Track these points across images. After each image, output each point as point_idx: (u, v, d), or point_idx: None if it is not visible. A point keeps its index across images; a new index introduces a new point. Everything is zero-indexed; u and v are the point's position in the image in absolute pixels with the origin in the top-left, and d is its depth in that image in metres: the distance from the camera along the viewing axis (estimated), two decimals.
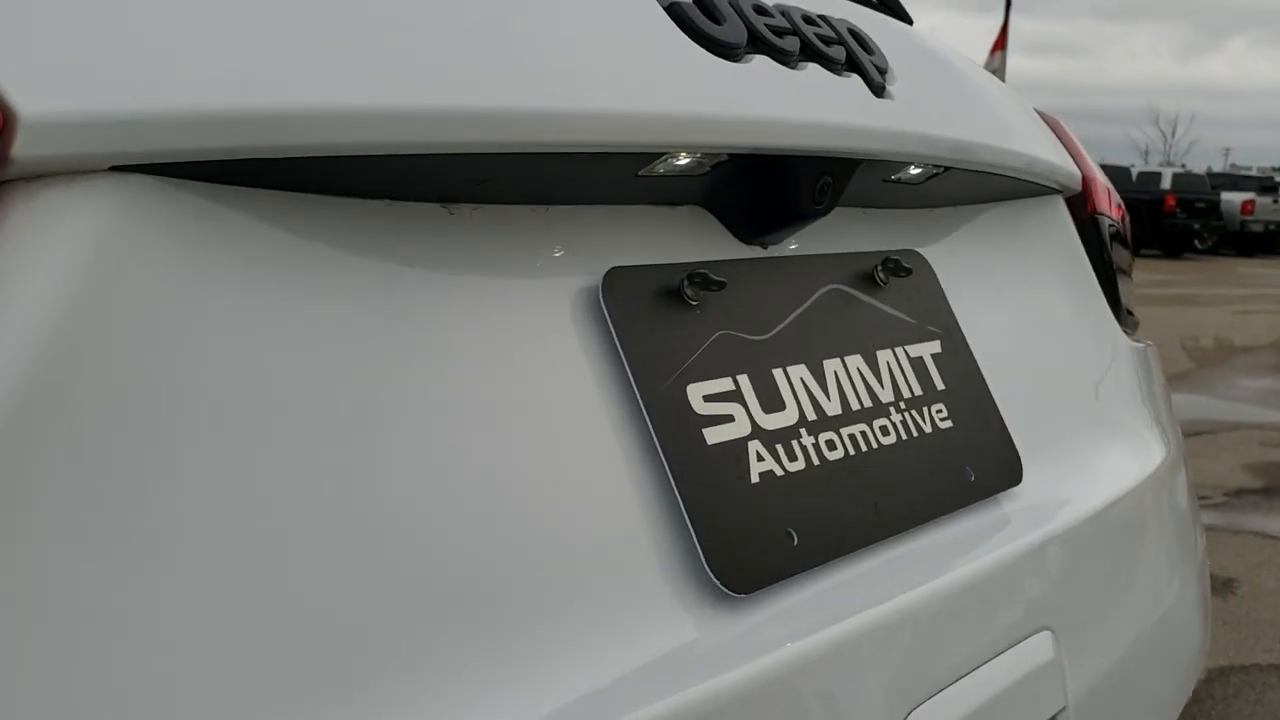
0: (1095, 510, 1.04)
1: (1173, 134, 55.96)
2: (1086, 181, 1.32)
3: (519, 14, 0.68)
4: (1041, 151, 1.20)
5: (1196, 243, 21.29)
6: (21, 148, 0.47)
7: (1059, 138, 1.34)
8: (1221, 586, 3.38)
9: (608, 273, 0.74)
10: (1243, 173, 32.52)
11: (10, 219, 0.48)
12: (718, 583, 0.70)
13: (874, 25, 1.02)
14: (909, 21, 1.34)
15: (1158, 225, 20.38)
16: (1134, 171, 23.47)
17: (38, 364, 0.47)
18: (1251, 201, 22.63)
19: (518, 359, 0.68)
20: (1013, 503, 0.98)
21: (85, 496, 0.48)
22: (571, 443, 0.69)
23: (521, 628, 0.62)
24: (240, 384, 0.55)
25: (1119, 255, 1.42)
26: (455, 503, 0.62)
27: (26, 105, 0.47)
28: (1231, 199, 22.58)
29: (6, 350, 0.46)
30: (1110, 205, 1.39)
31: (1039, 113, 1.37)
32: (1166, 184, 22.08)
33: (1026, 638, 0.89)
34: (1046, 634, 0.91)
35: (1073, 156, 1.33)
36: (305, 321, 0.59)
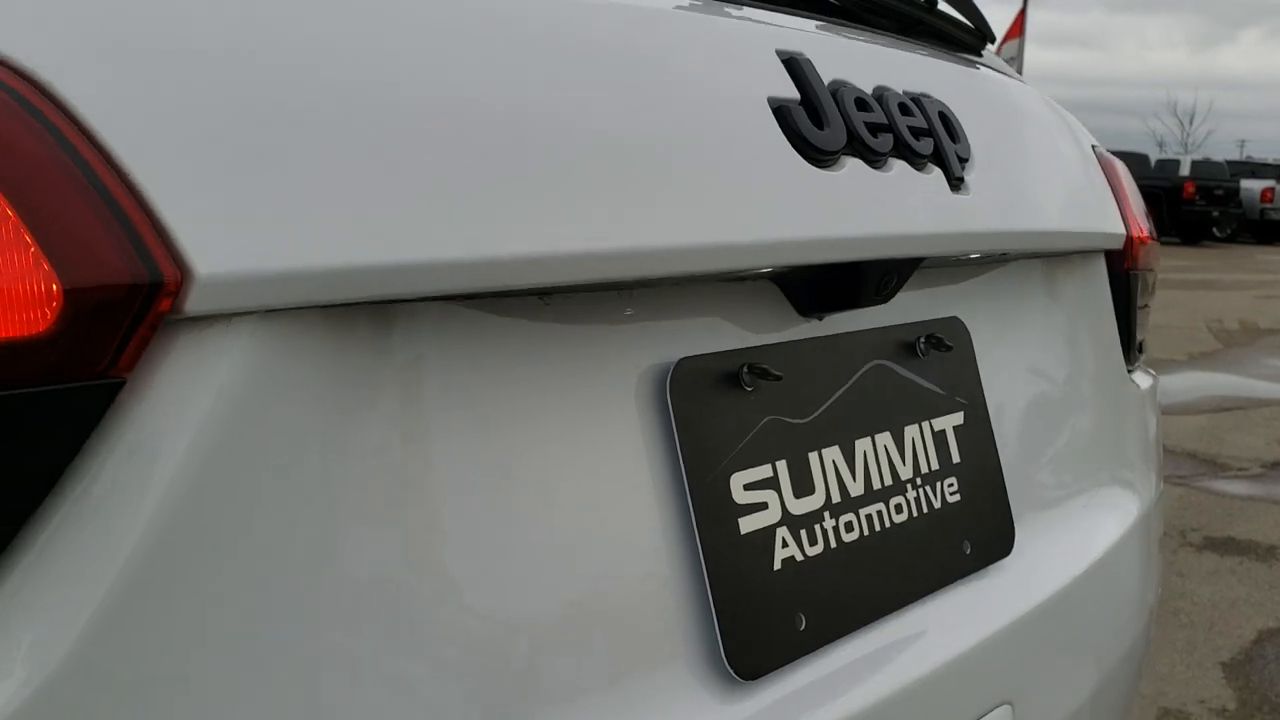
0: (1069, 581, 1.11)
1: (1190, 123, 55.05)
2: (1129, 239, 1.36)
3: (640, 147, 0.71)
4: (1096, 220, 1.23)
5: (1215, 230, 21.21)
6: (194, 302, 0.51)
7: (1113, 186, 1.36)
8: (1265, 553, 3.72)
9: (677, 364, 0.79)
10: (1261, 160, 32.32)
11: (181, 349, 0.52)
12: (729, 668, 0.77)
13: (964, 91, 1.04)
14: (991, 39, 1.35)
15: (1176, 212, 20.28)
16: (1153, 159, 23.19)
17: (209, 460, 0.52)
18: (1271, 189, 22.50)
19: (587, 443, 0.74)
20: (998, 575, 1.05)
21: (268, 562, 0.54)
22: (621, 527, 0.75)
23: (545, 696, 0.69)
24: (370, 473, 0.60)
25: (1144, 297, 1.47)
26: (520, 569, 0.68)
27: (202, 266, 0.51)
28: (1251, 186, 22.45)
29: (181, 451, 0.52)
30: (1144, 257, 1.43)
31: (1097, 155, 1.39)
32: (1185, 171, 21.88)
33: (988, 712, 0.97)
34: (1006, 708, 1.00)
35: (1121, 207, 1.36)
36: (422, 417, 0.64)
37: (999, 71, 1.30)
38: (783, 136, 0.80)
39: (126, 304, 0.50)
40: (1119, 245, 1.33)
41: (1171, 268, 13.61)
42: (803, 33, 0.93)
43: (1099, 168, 1.35)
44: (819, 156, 0.82)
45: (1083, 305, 1.31)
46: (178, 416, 0.52)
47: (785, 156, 0.80)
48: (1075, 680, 1.15)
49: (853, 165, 0.85)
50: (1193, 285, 11.72)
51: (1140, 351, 1.50)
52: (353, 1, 0.63)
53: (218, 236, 0.52)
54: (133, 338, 0.50)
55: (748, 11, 0.91)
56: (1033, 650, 1.06)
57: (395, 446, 0.63)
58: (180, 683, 0.53)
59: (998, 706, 0.99)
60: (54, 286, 0.49)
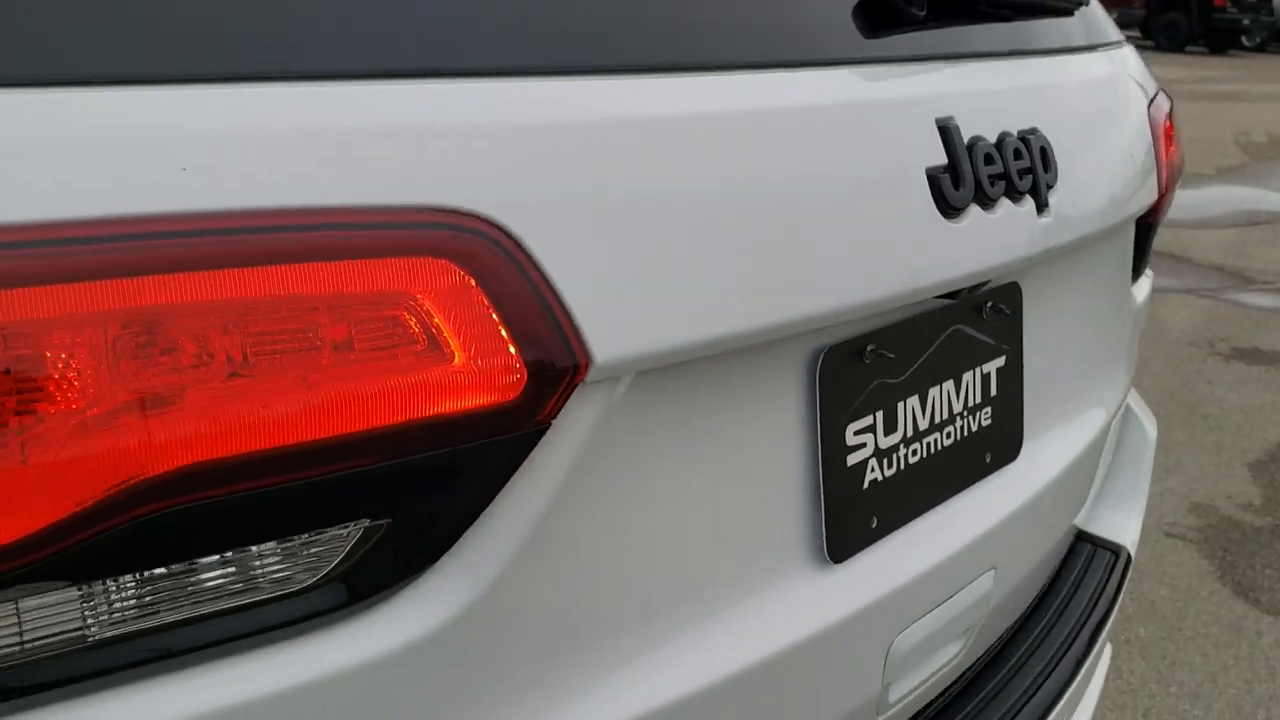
0: (1052, 477, 1.49)
1: None
2: (1158, 199, 1.65)
3: (846, 222, 1.01)
4: (1143, 198, 1.53)
5: (1244, 39, 20.43)
6: (593, 375, 0.84)
7: (1155, 148, 1.64)
8: None
9: (826, 351, 1.12)
10: None
11: (580, 401, 0.85)
12: (827, 555, 1.15)
13: (1056, 105, 1.31)
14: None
15: (1205, 20, 19.40)
16: None
17: (586, 463, 0.87)
18: None
19: (761, 409, 1.08)
20: (1004, 476, 1.42)
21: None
22: (776, 465, 1.10)
23: (722, 583, 1.07)
24: (654, 478, 0.95)
25: (1157, 232, 1.78)
26: (713, 494, 1.04)
27: (600, 355, 0.84)
28: None
29: (570, 461, 0.86)
30: (1164, 208, 1.72)
31: (1150, 114, 1.66)
32: None
33: (979, 576, 1.37)
34: (991, 572, 1.40)
35: (1159, 170, 1.64)
36: (670, 434, 0.98)
37: (1088, 45, 1.55)
38: (931, 201, 1.10)
39: (559, 380, 0.83)
40: (1150, 206, 1.63)
41: (1198, 78, 13.41)
42: (946, 82, 1.20)
43: (1150, 135, 1.63)
44: (950, 211, 1.12)
45: (1108, 254, 1.63)
46: (571, 441, 0.86)
47: (930, 217, 1.10)
48: (1037, 547, 1.56)
49: (973, 212, 1.15)
50: (1220, 97, 11.66)
51: (1143, 268, 1.83)
52: (680, 154, 0.92)
53: (609, 334, 0.84)
54: (558, 400, 0.83)
55: (907, 70, 1.17)
56: (1016, 530, 1.45)
57: (669, 440, 0.97)
58: (547, 610, 0.90)
59: (987, 571, 1.39)
60: (521, 371, 0.81)
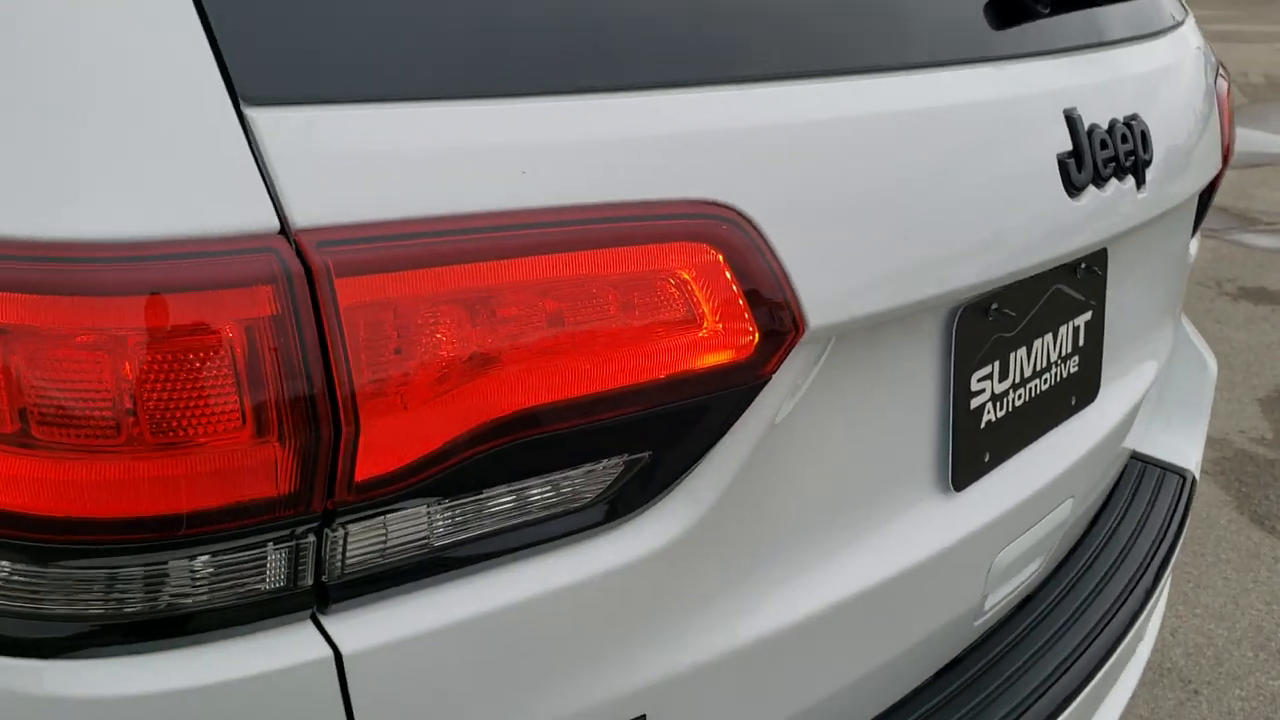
0: (1121, 416, 1.68)
1: None
2: (1221, 167, 1.82)
3: (994, 206, 1.18)
4: (1213, 166, 1.70)
5: None
6: (806, 339, 1.02)
7: (1221, 120, 1.80)
8: None
9: (961, 310, 1.29)
10: None
11: (793, 357, 1.03)
12: (950, 485, 1.34)
13: (1153, 89, 1.48)
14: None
15: None
16: None
17: (794, 406, 1.05)
18: None
19: (907, 361, 1.26)
20: (1084, 416, 1.61)
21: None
22: (916, 406, 1.28)
23: (872, 508, 1.26)
24: (826, 430, 1.13)
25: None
26: (864, 434, 1.23)
27: (814, 321, 1.01)
28: None
29: (779, 403, 1.04)
30: (1223, 175, 1.89)
31: (1216, 89, 1.82)
32: None
33: (1061, 504, 1.57)
34: (1070, 500, 1.59)
35: (1223, 141, 1.81)
36: (837, 390, 1.15)
37: (1168, 27, 1.71)
38: (1061, 184, 1.27)
39: (781, 341, 1.00)
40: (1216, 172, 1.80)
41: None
42: (1067, 73, 1.36)
43: (1217, 106, 1.79)
44: (1074, 191, 1.29)
45: (1177, 218, 1.80)
46: (780, 391, 1.04)
47: (1060, 197, 1.27)
48: (1102, 479, 1.75)
49: (1090, 191, 1.32)
50: (1215, 37, 11.64)
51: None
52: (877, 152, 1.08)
53: (821, 304, 1.02)
54: (779, 357, 1.01)
55: (1035, 65, 1.33)
56: (1090, 464, 1.64)
57: (844, 389, 1.15)
58: (750, 525, 1.08)
59: (1067, 499, 1.58)
60: (754, 334, 0.98)
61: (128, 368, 0.75)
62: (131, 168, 0.76)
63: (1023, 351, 1.42)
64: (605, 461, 0.95)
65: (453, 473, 0.87)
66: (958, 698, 1.43)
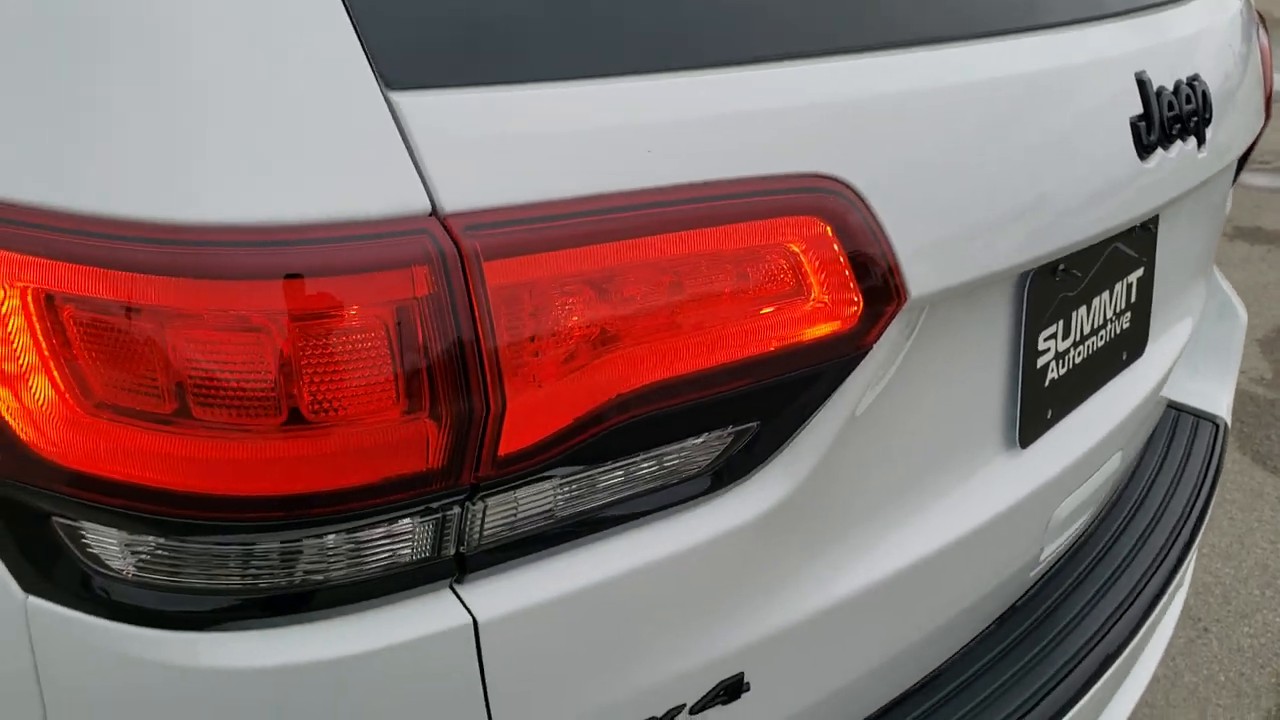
0: (1164, 371, 1.72)
1: None
2: (1266, 120, 1.84)
3: (1077, 173, 1.20)
4: (1256, 125, 1.72)
5: None
6: (906, 308, 1.04)
7: (1266, 68, 1.82)
8: None
9: (1033, 273, 1.31)
10: None
11: (892, 325, 1.05)
12: (1018, 442, 1.37)
13: (1209, 48, 1.50)
14: None
15: None
16: None
17: (892, 371, 1.08)
18: None
19: (983, 323, 1.28)
20: (1133, 370, 1.64)
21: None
22: (988, 365, 1.31)
23: (949, 467, 1.29)
24: (920, 385, 1.16)
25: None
26: (945, 407, 1.25)
27: (914, 290, 1.03)
28: None
29: (877, 370, 1.06)
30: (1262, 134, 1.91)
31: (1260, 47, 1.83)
32: None
33: (1112, 456, 1.60)
34: (1119, 453, 1.63)
35: (1266, 99, 1.83)
36: (929, 347, 1.18)
37: None
38: (1133, 147, 1.29)
39: (883, 311, 1.02)
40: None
41: None
42: (1135, 37, 1.37)
43: (1261, 62, 1.81)
44: (1144, 154, 1.31)
45: (1221, 173, 1.82)
46: (879, 359, 1.06)
47: (1132, 161, 1.29)
48: (1145, 431, 1.79)
49: (1158, 154, 1.34)
50: None
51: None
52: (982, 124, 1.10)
53: (920, 274, 1.04)
54: (881, 327, 1.03)
55: (1107, 29, 1.34)
56: (1137, 417, 1.68)
57: (929, 354, 1.18)
58: (846, 487, 1.11)
59: (1117, 451, 1.62)
60: (858, 304, 1.01)
61: (287, 349, 0.77)
62: (285, 154, 0.77)
63: (1083, 310, 1.45)
64: (717, 432, 0.98)
65: (581, 446, 0.89)
66: (1020, 645, 1.48)
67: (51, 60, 0.80)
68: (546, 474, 0.89)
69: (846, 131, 1.00)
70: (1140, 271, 1.59)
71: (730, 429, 0.98)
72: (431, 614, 0.88)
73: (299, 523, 0.82)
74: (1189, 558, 1.73)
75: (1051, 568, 1.64)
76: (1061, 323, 1.41)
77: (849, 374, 1.04)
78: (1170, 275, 1.72)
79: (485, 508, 0.87)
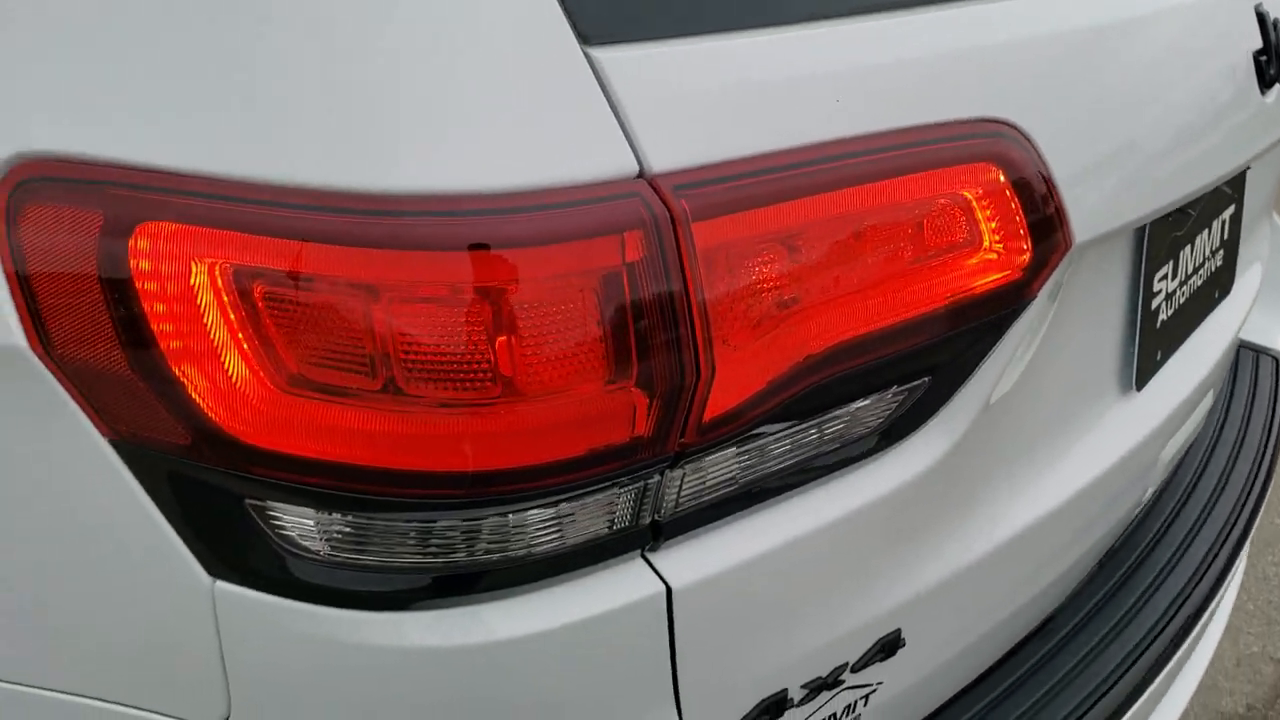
0: (1247, 306, 1.71)
1: None
2: None
3: (1207, 116, 1.18)
4: None
5: None
6: (1070, 257, 1.02)
7: None
8: None
9: (1152, 223, 1.29)
10: None
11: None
12: (1134, 384, 1.36)
13: None
14: None
15: None
16: None
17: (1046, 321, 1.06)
18: None
19: (1103, 272, 1.26)
20: (1222, 309, 1.63)
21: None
22: (1108, 317, 1.29)
23: (1080, 412, 1.27)
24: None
25: None
26: (1077, 353, 1.24)
27: (1078, 235, 1.01)
28: None
29: (1035, 318, 1.04)
30: None
31: None
32: None
33: (1206, 395, 1.60)
34: (1212, 391, 1.62)
35: None
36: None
37: None
38: (1255, 82, 1.26)
39: (1049, 258, 1.00)
40: None
41: None
42: None
43: None
44: (1265, 89, 1.29)
45: None
46: (1035, 310, 1.04)
47: (1255, 97, 1.27)
48: (1227, 366, 1.79)
49: (1276, 88, 1.32)
50: None
51: None
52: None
53: (1083, 219, 1.01)
54: (1045, 275, 1.01)
55: None
56: (1229, 353, 1.66)
57: (1068, 300, 1.16)
58: (998, 438, 1.09)
59: (1210, 390, 1.61)
60: (1028, 252, 0.98)
61: (500, 321, 0.74)
62: (489, 118, 0.74)
63: (1188, 249, 1.44)
64: (893, 389, 0.96)
65: (773, 409, 0.87)
66: (1126, 584, 1.48)
67: (242, 28, 0.76)
68: (739, 437, 0.87)
69: (1011, 73, 0.97)
70: (1232, 209, 1.57)
71: (904, 385, 0.96)
72: (627, 584, 0.86)
73: (506, 498, 0.79)
74: (1267, 492, 1.74)
75: (1147, 508, 1.64)
76: (1172, 263, 1.39)
77: (1011, 325, 1.02)
78: (1252, 211, 1.71)
79: (683, 474, 0.85)
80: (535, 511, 0.80)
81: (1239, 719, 2.68)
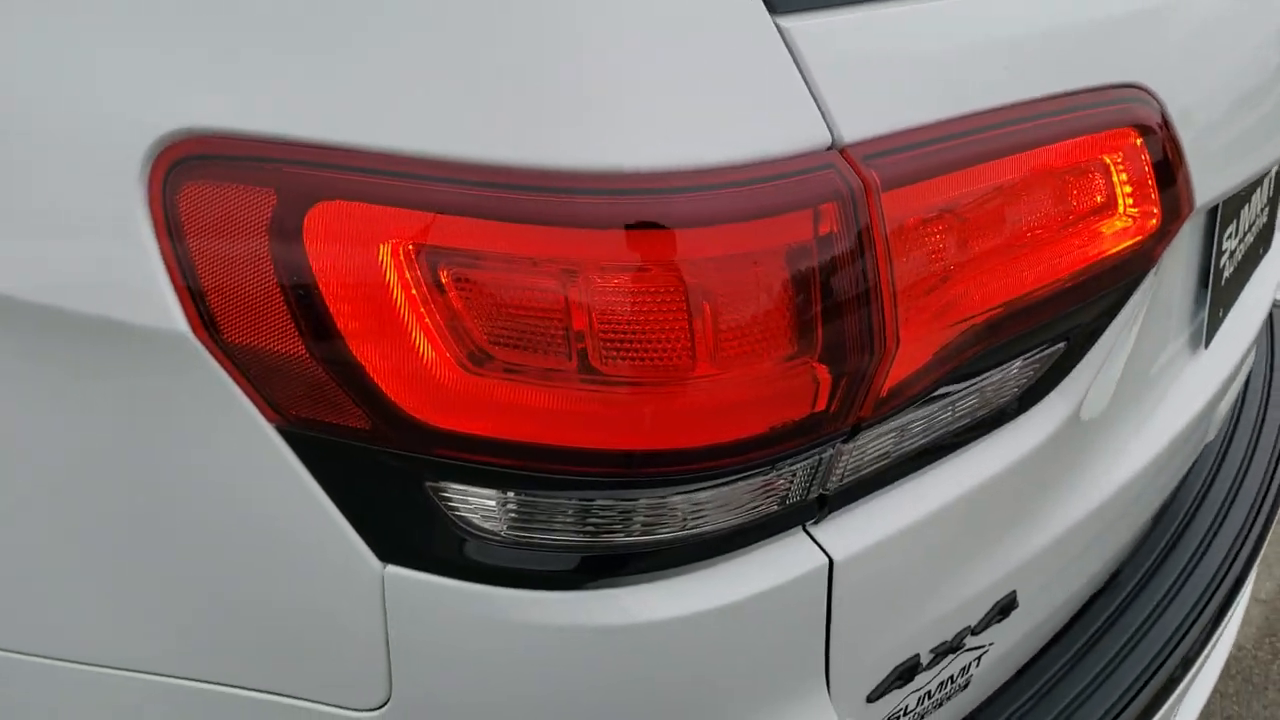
0: None
1: None
2: None
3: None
4: None
5: None
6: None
7: None
8: None
9: (1225, 201, 1.31)
10: None
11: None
12: (1204, 343, 1.38)
13: None
14: None
15: None
16: None
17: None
18: None
19: (1189, 231, 1.28)
20: (1267, 262, 1.66)
21: None
22: (1183, 276, 1.31)
23: (1158, 375, 1.29)
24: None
25: None
26: (1160, 315, 1.25)
27: (1199, 198, 1.02)
28: None
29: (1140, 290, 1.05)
30: None
31: None
32: None
33: (1249, 353, 1.62)
34: (1254, 349, 1.65)
35: None
36: None
37: None
38: None
39: (1174, 221, 1.01)
40: None
41: None
42: None
43: None
44: None
45: None
46: (1150, 275, 1.05)
47: None
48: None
49: None
50: None
51: None
52: None
53: (1205, 182, 1.02)
54: (1168, 239, 1.02)
55: None
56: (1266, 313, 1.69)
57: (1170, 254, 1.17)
58: (1105, 395, 1.10)
59: (1253, 349, 1.64)
60: (1157, 215, 0.99)
61: (698, 299, 0.73)
62: (686, 92, 0.73)
63: (1246, 207, 1.46)
64: (1034, 356, 0.96)
65: (937, 379, 0.87)
66: (1184, 535, 1.51)
67: (432, 5, 0.73)
68: (904, 410, 0.86)
69: (1147, 38, 0.97)
70: (1278, 166, 1.60)
71: (1043, 352, 0.97)
72: (793, 558, 0.86)
73: (692, 476, 0.78)
74: None
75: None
76: (1235, 221, 1.41)
77: (1136, 289, 1.03)
78: None
79: (853, 447, 0.85)
80: (715, 489, 0.80)
81: (1228, 658, 2.76)
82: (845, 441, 0.83)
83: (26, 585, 0.89)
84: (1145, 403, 1.24)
